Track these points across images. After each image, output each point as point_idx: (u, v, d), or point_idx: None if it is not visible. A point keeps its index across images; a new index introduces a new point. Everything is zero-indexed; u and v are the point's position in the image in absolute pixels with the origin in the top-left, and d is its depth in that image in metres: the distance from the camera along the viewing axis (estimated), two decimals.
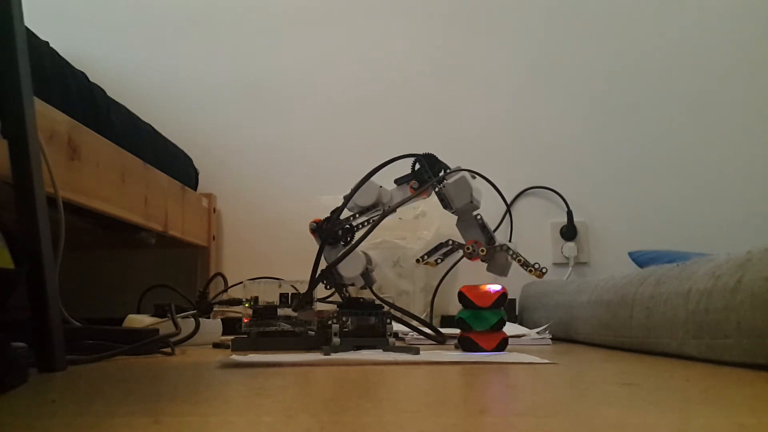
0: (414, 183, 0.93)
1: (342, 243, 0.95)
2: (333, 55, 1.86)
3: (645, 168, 1.77)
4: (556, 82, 1.82)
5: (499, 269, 0.93)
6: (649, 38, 1.82)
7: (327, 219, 0.94)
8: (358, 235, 0.91)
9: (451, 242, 0.94)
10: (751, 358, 0.63)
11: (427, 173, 0.92)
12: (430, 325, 1.07)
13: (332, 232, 0.93)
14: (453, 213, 0.92)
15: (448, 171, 0.93)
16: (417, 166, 0.93)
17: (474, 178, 0.92)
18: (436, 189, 0.91)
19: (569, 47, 1.83)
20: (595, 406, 0.43)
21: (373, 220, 0.91)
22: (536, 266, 0.88)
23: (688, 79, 1.79)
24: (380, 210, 0.94)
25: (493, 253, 0.91)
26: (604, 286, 1.05)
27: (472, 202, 0.90)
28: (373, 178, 0.93)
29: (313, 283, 0.91)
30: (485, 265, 0.93)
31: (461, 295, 0.89)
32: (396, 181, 0.94)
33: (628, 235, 1.73)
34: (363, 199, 0.94)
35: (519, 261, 0.90)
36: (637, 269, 1.10)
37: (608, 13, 1.84)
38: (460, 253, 0.92)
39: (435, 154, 0.92)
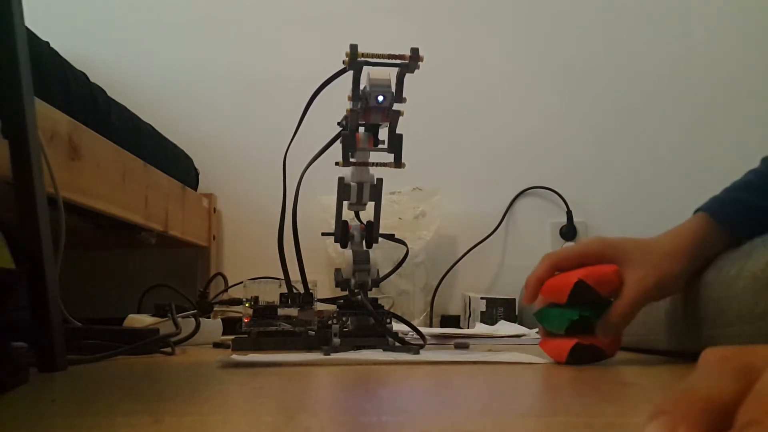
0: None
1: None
2: (333, 55, 1.85)
3: (645, 168, 1.77)
4: (556, 81, 1.82)
5: None
6: (649, 38, 1.82)
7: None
8: None
9: None
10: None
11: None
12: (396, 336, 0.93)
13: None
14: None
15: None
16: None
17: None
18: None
19: (569, 46, 1.83)
20: (595, 406, 0.43)
21: None
22: None
23: (689, 79, 1.79)
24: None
25: None
26: None
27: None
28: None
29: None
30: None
31: (581, 285, 0.66)
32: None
33: (628, 235, 1.71)
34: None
35: None
36: None
37: (609, 12, 1.84)
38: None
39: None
